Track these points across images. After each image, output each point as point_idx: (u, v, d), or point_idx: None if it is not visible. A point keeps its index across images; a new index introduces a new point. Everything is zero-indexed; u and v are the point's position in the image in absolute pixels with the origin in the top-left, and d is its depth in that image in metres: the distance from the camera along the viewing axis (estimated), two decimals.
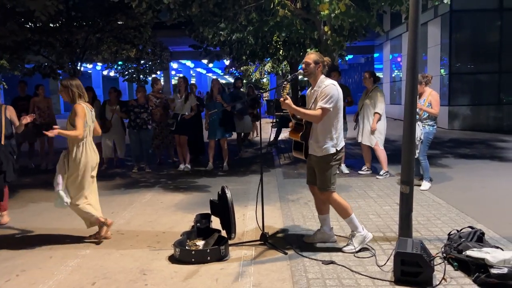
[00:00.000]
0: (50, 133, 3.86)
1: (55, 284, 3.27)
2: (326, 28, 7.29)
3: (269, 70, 25.11)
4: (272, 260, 3.59)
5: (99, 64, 21.88)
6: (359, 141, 6.85)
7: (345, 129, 6.90)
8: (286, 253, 3.67)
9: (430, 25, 15.46)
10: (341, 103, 3.63)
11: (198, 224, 4.03)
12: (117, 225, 4.68)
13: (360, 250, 3.64)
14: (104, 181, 6.97)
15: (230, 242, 3.79)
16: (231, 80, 39.56)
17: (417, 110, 4.92)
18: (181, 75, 9.79)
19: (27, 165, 8.47)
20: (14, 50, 10.41)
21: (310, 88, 3.76)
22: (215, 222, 4.06)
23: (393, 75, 20.75)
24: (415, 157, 5.63)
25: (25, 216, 5.17)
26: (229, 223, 3.73)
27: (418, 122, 5.62)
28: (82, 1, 10.73)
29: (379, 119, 6.53)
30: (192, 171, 7.81)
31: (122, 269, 3.50)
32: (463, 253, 3.19)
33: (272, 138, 10.60)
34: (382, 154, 6.64)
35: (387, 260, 3.36)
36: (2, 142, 4.80)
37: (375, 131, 6.55)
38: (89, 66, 25.15)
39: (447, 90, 14.37)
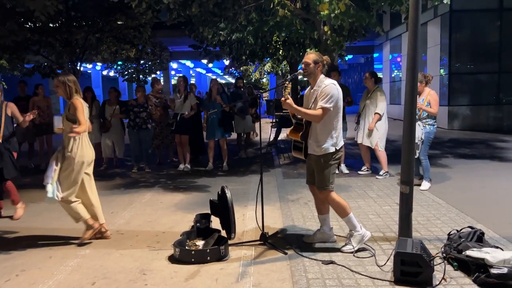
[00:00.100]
0: (76, 134, 3.85)
1: (54, 284, 3.27)
2: (326, 28, 7.30)
3: (268, 70, 25.12)
4: (272, 260, 3.59)
5: (99, 64, 21.87)
6: (359, 141, 6.81)
7: (345, 129, 6.90)
8: (286, 253, 3.67)
9: (429, 25, 15.46)
10: (341, 103, 3.63)
11: (198, 224, 4.02)
12: (117, 225, 4.69)
13: (359, 250, 3.64)
14: (103, 181, 6.98)
15: (230, 242, 3.79)
16: (231, 80, 39.63)
17: (416, 110, 4.92)
18: (181, 74, 9.76)
19: (27, 165, 8.47)
20: (14, 50, 10.41)
21: (309, 87, 3.76)
22: (215, 222, 4.05)
23: (392, 75, 20.76)
24: (416, 157, 5.67)
25: (25, 216, 5.16)
26: (229, 223, 3.73)
27: (419, 122, 5.62)
28: (82, 1, 10.72)
29: (378, 120, 6.51)
30: (192, 171, 7.81)
31: (122, 269, 3.50)
32: (463, 253, 3.19)
33: (271, 138, 10.60)
34: (382, 155, 6.63)
35: (387, 260, 3.36)
36: (0, 140, 4.80)
37: (373, 132, 6.53)
38: (89, 66, 25.12)
39: (446, 90, 14.37)
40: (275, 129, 11.11)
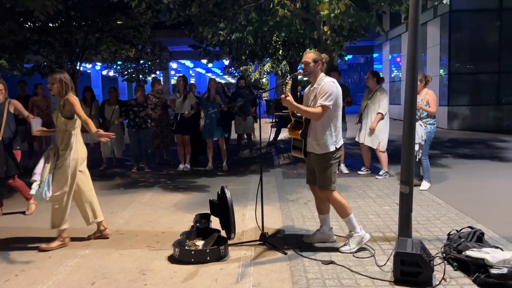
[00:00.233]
0: (102, 135, 3.81)
1: (54, 284, 3.26)
2: (325, 28, 7.30)
3: (268, 70, 25.13)
4: (271, 260, 3.59)
5: (98, 64, 21.85)
6: (360, 141, 6.76)
7: (345, 129, 6.88)
8: (285, 253, 3.67)
9: (429, 25, 15.46)
10: (340, 101, 3.63)
11: (198, 224, 4.02)
12: (116, 225, 4.68)
13: (357, 251, 3.63)
14: (103, 181, 6.97)
15: (229, 242, 3.78)
16: (231, 80, 39.60)
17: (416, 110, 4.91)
18: (180, 74, 9.76)
19: (27, 165, 8.45)
20: (13, 49, 10.41)
21: (309, 86, 3.76)
22: (215, 222, 4.05)
23: (392, 75, 20.75)
24: (419, 157, 5.66)
25: (25, 216, 5.17)
26: (228, 223, 3.73)
27: (420, 122, 5.61)
28: (82, 1, 10.73)
29: (380, 119, 6.48)
30: (192, 171, 7.80)
31: (121, 269, 3.50)
32: (463, 253, 3.19)
33: (271, 138, 10.59)
34: (383, 156, 6.61)
35: (387, 260, 3.36)
36: (0, 138, 4.80)
37: (375, 131, 6.51)
38: (88, 66, 25.11)
39: (446, 90, 14.37)
40: (275, 129, 11.11)
